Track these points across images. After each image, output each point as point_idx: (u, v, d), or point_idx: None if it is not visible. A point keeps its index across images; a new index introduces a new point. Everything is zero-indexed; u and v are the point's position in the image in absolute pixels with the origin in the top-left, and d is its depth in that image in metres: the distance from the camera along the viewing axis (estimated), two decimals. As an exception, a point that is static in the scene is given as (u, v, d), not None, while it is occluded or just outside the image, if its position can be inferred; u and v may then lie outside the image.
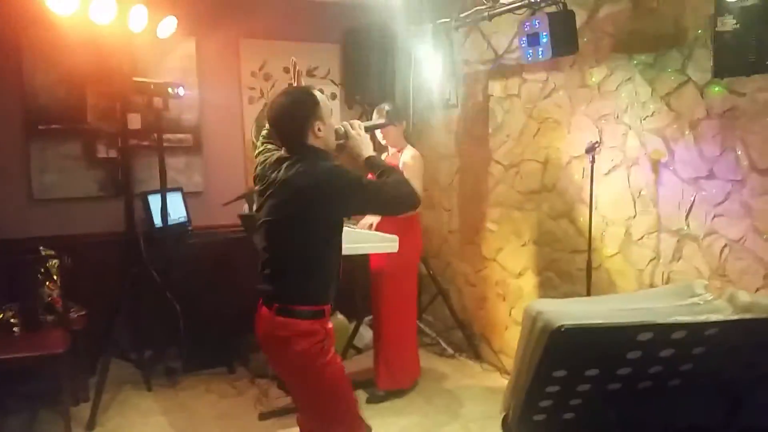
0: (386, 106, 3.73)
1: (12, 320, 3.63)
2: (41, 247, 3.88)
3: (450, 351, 4.49)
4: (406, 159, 3.67)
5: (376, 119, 3.69)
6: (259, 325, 2.20)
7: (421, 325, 4.70)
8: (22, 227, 4.07)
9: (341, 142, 2.24)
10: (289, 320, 2.09)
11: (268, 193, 2.15)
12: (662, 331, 1.03)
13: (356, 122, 2.27)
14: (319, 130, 2.11)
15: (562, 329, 1.00)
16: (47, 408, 3.62)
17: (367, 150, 2.21)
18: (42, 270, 3.79)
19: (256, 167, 2.33)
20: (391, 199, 2.14)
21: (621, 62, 3.19)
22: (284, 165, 2.10)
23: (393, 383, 3.78)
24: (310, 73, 4.86)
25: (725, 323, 1.03)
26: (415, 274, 3.85)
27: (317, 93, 2.16)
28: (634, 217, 3.19)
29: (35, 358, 3.34)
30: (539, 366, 1.05)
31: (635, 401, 1.14)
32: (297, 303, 2.10)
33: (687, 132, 2.88)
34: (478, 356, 4.34)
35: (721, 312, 1.05)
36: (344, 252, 3.14)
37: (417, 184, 3.66)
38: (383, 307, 3.74)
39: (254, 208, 3.64)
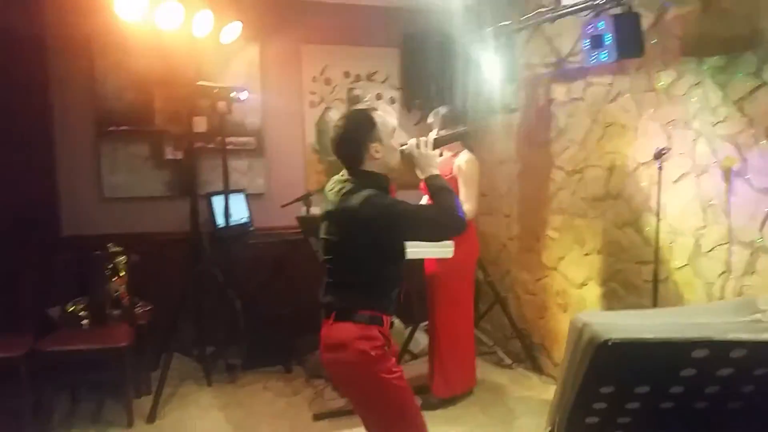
0: (442, 110, 3.69)
1: (81, 313, 3.82)
2: (110, 244, 4.05)
3: (507, 361, 4.40)
4: (460, 163, 3.61)
5: (432, 123, 3.67)
6: (321, 340, 2.20)
7: (479, 334, 4.63)
8: (93, 224, 4.27)
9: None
10: (346, 324, 2.11)
11: (326, 211, 2.22)
12: (719, 348, 0.96)
13: (423, 139, 2.24)
14: (376, 152, 2.14)
15: (609, 343, 0.95)
16: (112, 398, 3.76)
17: (429, 170, 2.19)
18: (110, 266, 3.96)
19: None
20: (432, 227, 2.14)
21: (690, 66, 3.05)
22: (338, 188, 2.16)
23: (447, 390, 3.73)
24: (369, 78, 4.89)
25: (789, 343, 0.96)
26: (471, 280, 3.79)
27: (377, 114, 2.18)
28: (704, 227, 3.04)
29: (101, 351, 3.50)
30: (585, 381, 1.00)
31: (690, 423, 1.07)
32: (354, 308, 2.12)
33: (762, 139, 2.72)
34: (536, 367, 4.24)
35: (785, 331, 0.98)
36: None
37: (472, 189, 3.62)
38: (437, 312, 3.70)
39: (310, 209, 3.71)
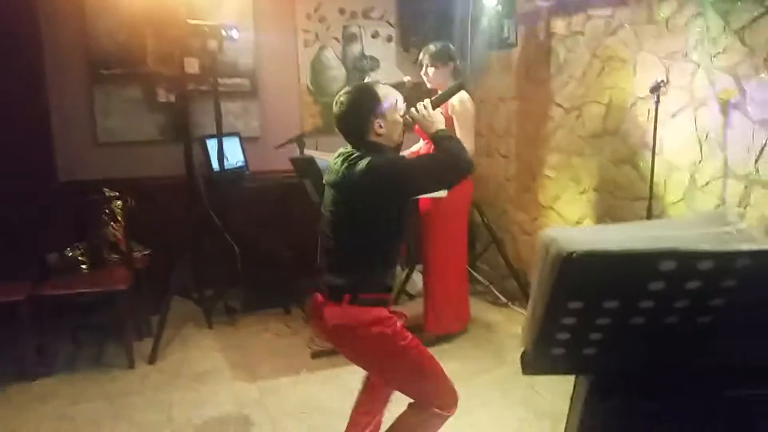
0: (432, 47, 3.59)
1: (79, 258, 3.84)
2: (105, 189, 4.05)
3: (503, 300, 4.43)
4: (455, 103, 3.48)
5: (422, 60, 3.59)
6: (324, 318, 2.17)
7: (474, 273, 4.65)
8: (88, 170, 4.26)
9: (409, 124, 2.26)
10: (362, 309, 2.10)
11: (330, 183, 2.20)
12: (686, 260, 0.94)
13: (422, 104, 2.24)
14: (380, 126, 2.12)
15: (574, 255, 0.94)
16: (113, 341, 3.83)
17: (435, 126, 2.21)
18: (107, 211, 3.96)
19: None
20: (442, 171, 2.14)
21: (692, -6, 2.95)
22: (343, 158, 2.13)
23: (440, 327, 3.78)
24: (365, 15, 4.77)
25: (759, 253, 0.94)
26: (464, 219, 3.78)
27: (381, 88, 2.16)
28: (700, 161, 3.00)
29: (100, 294, 3.55)
30: (552, 296, 0.99)
31: (662, 337, 1.07)
32: (366, 291, 2.11)
33: (761, 69, 2.65)
34: (531, 304, 4.27)
35: (755, 242, 0.95)
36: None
37: (468, 129, 3.55)
38: (431, 250, 3.71)
39: (304, 151, 3.67)
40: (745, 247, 0.94)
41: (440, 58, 3.55)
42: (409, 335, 2.15)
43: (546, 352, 1.13)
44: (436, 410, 2.15)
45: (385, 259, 2.17)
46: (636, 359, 1.15)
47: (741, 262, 0.94)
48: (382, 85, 2.21)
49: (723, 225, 1.00)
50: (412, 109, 2.23)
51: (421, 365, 2.16)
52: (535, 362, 1.16)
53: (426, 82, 3.62)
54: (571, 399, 1.30)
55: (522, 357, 1.20)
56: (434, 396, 2.16)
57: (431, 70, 3.57)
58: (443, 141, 2.18)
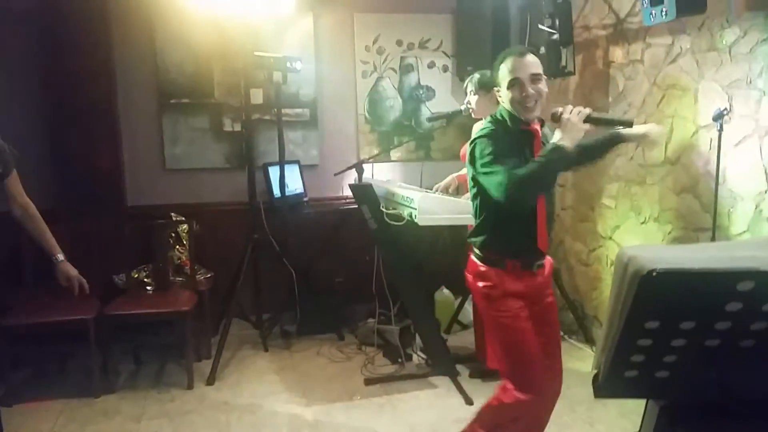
0: (477, 75, 3.55)
1: (145, 279, 3.99)
2: (172, 214, 4.22)
3: (560, 333, 4.35)
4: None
5: (466, 88, 3.49)
6: None
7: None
8: (156, 195, 4.45)
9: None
10: (472, 260, 2.38)
11: None
12: (765, 280, 0.94)
13: (579, 109, 2.20)
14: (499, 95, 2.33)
15: (654, 273, 0.94)
16: (173, 362, 3.96)
17: (565, 138, 2.14)
18: (173, 234, 4.13)
19: None
20: (489, 180, 2.15)
21: (756, 21, 2.90)
22: None
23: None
24: (422, 46, 4.86)
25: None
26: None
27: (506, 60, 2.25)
28: (766, 192, 2.92)
29: (164, 315, 3.67)
30: (630, 315, 1.00)
31: (737, 361, 1.06)
32: (479, 246, 2.34)
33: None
34: (588, 339, 4.18)
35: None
36: (442, 222, 3.17)
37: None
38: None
39: (362, 178, 3.74)
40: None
41: (484, 86, 3.36)
42: (509, 312, 2.27)
43: (619, 374, 1.13)
44: (515, 393, 2.27)
45: (500, 225, 2.28)
46: (709, 383, 1.13)
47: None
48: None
49: (804, 246, 1.00)
50: (567, 107, 2.21)
51: (507, 346, 2.32)
52: (608, 385, 1.16)
53: (469, 110, 3.46)
54: (641, 424, 1.29)
55: (594, 380, 1.20)
56: (512, 374, 2.31)
57: (474, 98, 3.40)
58: (552, 153, 2.10)
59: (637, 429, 1.44)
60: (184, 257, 4.09)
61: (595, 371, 1.21)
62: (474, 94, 3.43)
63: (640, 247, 1.02)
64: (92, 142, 4.16)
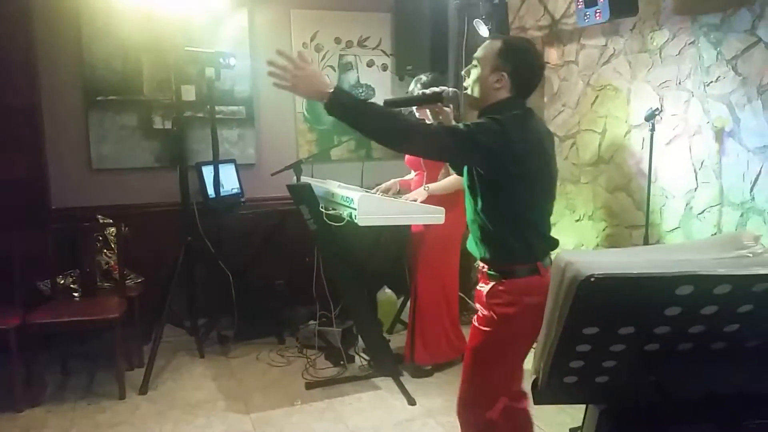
0: (423, 77, 3.57)
1: (72, 285, 3.80)
2: (99, 216, 4.02)
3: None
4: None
5: (412, 92, 3.53)
6: None
7: (469, 301, 4.62)
8: (82, 196, 4.21)
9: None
10: (501, 284, 2.10)
11: None
12: (703, 284, 0.93)
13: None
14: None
15: (592, 279, 0.92)
16: (104, 370, 3.77)
17: None
18: (100, 238, 3.94)
19: None
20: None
21: (684, 25, 3.00)
22: None
23: (429, 357, 3.73)
24: (360, 44, 4.81)
25: (776, 277, 0.93)
26: (456, 249, 3.74)
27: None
28: (696, 189, 3.02)
29: (92, 322, 3.49)
30: (568, 321, 0.98)
31: (676, 365, 1.05)
32: (509, 259, 2.10)
33: (755, 98, 2.69)
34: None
35: (771, 266, 0.95)
36: (382, 222, 3.12)
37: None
38: (419, 278, 3.67)
39: (300, 178, 3.66)
40: (763, 270, 0.93)
41: (429, 87, 3.47)
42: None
43: (558, 380, 1.11)
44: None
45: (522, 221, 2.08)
46: (649, 387, 1.13)
47: (759, 286, 0.93)
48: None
49: (739, 249, 1.00)
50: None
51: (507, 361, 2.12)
52: (547, 392, 1.14)
53: (415, 112, 3.48)
54: (581, 429, 1.28)
55: (533, 386, 1.18)
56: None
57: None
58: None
59: (577, 425, 1.43)
60: (112, 261, 3.90)
61: (534, 376, 1.19)
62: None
63: (577, 252, 1.01)
64: (13, 141, 3.93)
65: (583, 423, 1.26)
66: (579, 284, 0.94)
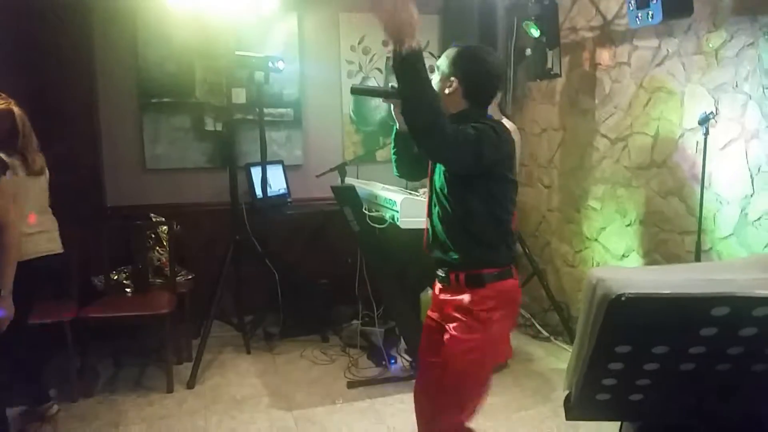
0: None
1: (125, 281, 3.92)
2: (152, 214, 4.15)
3: (545, 333, 4.33)
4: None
5: None
6: None
7: (516, 305, 4.57)
8: (136, 195, 4.36)
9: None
10: (481, 289, 2.09)
11: None
12: (740, 306, 0.90)
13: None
14: None
15: (623, 298, 0.90)
16: (153, 364, 3.89)
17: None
18: (152, 235, 4.05)
19: None
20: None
21: (743, 25, 2.88)
22: None
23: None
24: (408, 46, 4.80)
25: (819, 301, 0.89)
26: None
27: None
28: (752, 195, 2.90)
29: (143, 317, 3.60)
30: (599, 340, 0.96)
31: (713, 386, 1.02)
32: (485, 262, 2.08)
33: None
34: (573, 340, 4.15)
35: (814, 287, 0.90)
36: (417, 226, 3.10)
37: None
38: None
39: (344, 180, 3.69)
40: (805, 293, 0.89)
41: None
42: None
43: (591, 397, 1.09)
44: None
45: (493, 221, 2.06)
46: (685, 407, 1.10)
47: (800, 309, 0.89)
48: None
49: (781, 269, 0.96)
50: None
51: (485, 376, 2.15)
52: (580, 408, 1.12)
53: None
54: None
55: (566, 402, 1.16)
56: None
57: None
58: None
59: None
60: (164, 258, 4.02)
61: (567, 391, 1.17)
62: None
63: (610, 269, 0.98)
64: (72, 142, 4.07)
65: (618, 439, 1.24)
66: (610, 302, 0.92)
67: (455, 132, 1.83)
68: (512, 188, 2.04)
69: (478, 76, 2.00)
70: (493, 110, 3.55)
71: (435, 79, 2.01)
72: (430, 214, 2.13)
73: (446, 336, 2.05)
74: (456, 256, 2.03)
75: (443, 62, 2.03)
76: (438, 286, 2.16)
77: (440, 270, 2.12)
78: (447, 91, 1.99)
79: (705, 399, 1.06)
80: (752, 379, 0.99)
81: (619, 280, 0.94)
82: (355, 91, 2.23)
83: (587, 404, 1.11)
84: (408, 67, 1.77)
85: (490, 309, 1.99)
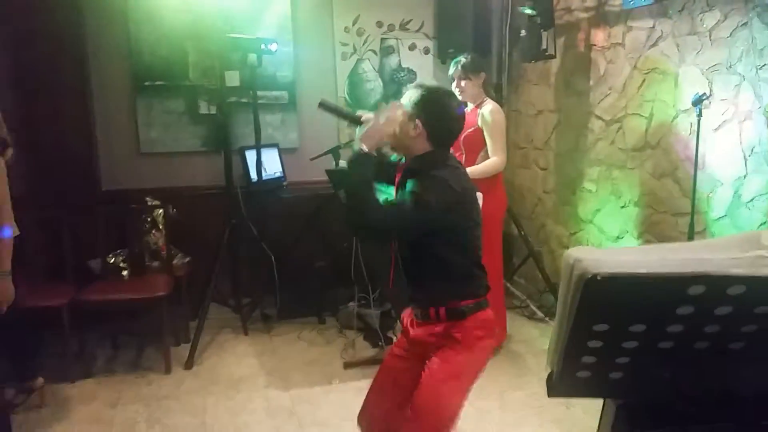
0: (463, 59, 3.56)
1: (121, 265, 3.94)
2: (148, 198, 4.15)
3: (540, 314, 4.36)
4: (484, 113, 3.52)
5: (453, 74, 3.58)
6: None
7: (511, 287, 4.60)
8: (130, 179, 4.37)
9: None
10: (468, 320, 2.10)
11: None
12: (715, 284, 0.91)
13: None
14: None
15: (598, 278, 0.91)
16: (151, 346, 3.92)
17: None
18: (148, 219, 4.06)
19: None
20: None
21: (736, 5, 2.87)
22: None
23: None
24: (402, 27, 4.78)
25: (793, 279, 0.90)
26: (498, 232, 3.73)
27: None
28: (745, 177, 2.91)
29: (140, 300, 3.62)
30: (577, 319, 0.97)
31: (692, 363, 1.03)
32: (461, 294, 2.11)
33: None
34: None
35: (789, 266, 0.91)
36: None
37: (499, 139, 3.54)
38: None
39: (339, 162, 3.69)
40: (779, 272, 0.90)
41: (472, 70, 3.53)
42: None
43: (572, 374, 1.10)
44: None
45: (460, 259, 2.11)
46: (665, 385, 1.11)
47: (774, 287, 0.91)
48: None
49: (757, 248, 0.97)
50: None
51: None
52: (561, 385, 1.14)
53: (458, 94, 3.54)
54: (599, 424, 1.27)
55: (548, 379, 1.18)
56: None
57: (465, 83, 3.54)
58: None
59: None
60: (160, 242, 4.03)
61: (550, 369, 1.18)
62: (463, 79, 3.53)
63: (587, 249, 0.99)
64: (65, 126, 4.08)
65: (600, 417, 1.26)
66: (585, 282, 0.93)
67: (393, 215, 1.95)
68: (473, 228, 2.07)
69: (441, 121, 2.04)
70: (479, 91, 3.58)
71: (400, 119, 2.05)
72: (396, 253, 2.17)
73: (433, 362, 2.06)
74: (432, 293, 2.08)
75: (406, 101, 2.06)
76: (413, 321, 2.17)
77: (416, 308, 2.15)
78: (412, 134, 2.02)
79: (684, 376, 1.08)
80: (730, 356, 1.01)
81: (596, 260, 0.95)
82: (323, 106, 2.27)
83: (568, 382, 1.13)
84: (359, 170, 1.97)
85: (478, 338, 2.05)
